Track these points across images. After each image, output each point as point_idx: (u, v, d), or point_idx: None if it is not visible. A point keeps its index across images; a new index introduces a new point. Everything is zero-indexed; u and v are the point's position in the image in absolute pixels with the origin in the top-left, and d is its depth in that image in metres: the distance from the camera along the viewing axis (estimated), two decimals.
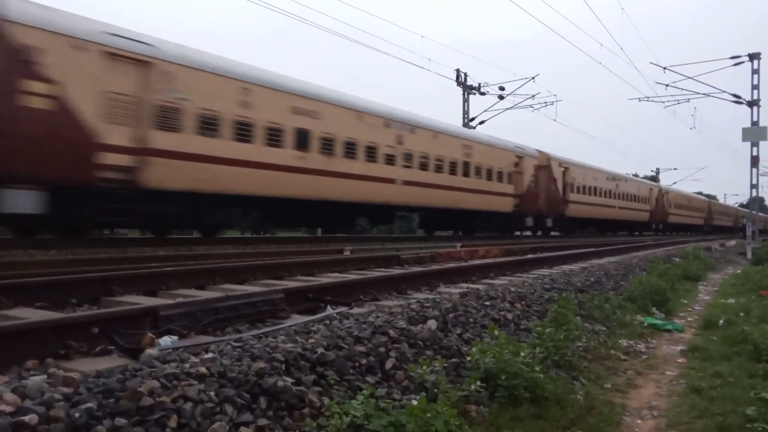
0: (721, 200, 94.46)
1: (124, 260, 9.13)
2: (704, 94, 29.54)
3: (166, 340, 3.83)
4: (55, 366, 3.29)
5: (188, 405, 2.74)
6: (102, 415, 2.48)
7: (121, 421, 2.49)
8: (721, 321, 7.94)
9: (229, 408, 2.87)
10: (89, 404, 2.49)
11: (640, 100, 33.10)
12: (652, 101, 32.47)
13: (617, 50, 43.25)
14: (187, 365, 3.09)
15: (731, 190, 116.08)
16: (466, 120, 35.23)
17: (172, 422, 2.64)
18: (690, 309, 9.89)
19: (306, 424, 3.04)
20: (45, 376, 2.86)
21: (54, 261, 8.62)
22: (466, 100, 35.64)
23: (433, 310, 5.31)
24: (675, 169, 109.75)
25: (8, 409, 2.36)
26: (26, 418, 2.30)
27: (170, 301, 4.68)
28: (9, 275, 6.21)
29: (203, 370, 3.04)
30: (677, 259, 16.92)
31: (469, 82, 35.45)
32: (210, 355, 3.37)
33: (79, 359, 3.51)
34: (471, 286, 7.82)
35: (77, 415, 2.41)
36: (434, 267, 9.65)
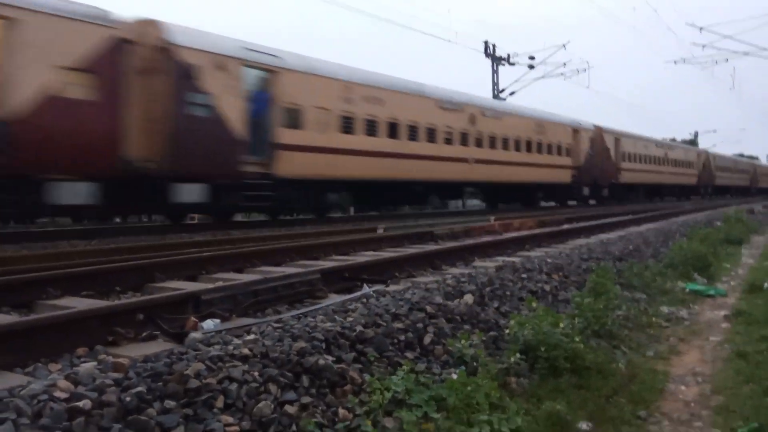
0: (764, 161, 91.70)
1: (164, 247, 9.32)
2: (743, 53, 28.56)
3: (209, 324, 3.93)
4: (104, 353, 3.41)
5: (234, 386, 2.81)
6: (152, 399, 2.57)
7: (170, 403, 2.57)
8: (766, 285, 7.75)
9: (273, 387, 2.94)
10: (139, 388, 2.58)
11: (675, 63, 32.37)
12: (689, 63, 31.58)
13: (651, 13, 41.83)
14: (230, 347, 3.17)
15: None
16: (496, 92, 34.72)
17: (219, 403, 2.71)
18: (733, 273, 9.67)
19: (348, 400, 3.09)
20: (95, 363, 2.97)
21: (96, 250, 8.86)
22: (495, 72, 35.09)
23: (469, 284, 5.32)
24: (714, 131, 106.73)
25: (63, 395, 2.45)
26: (80, 404, 2.39)
27: (211, 286, 4.79)
28: (55, 266, 6.42)
29: (246, 351, 3.11)
30: (719, 223, 16.52)
31: (497, 54, 34.87)
32: (252, 336, 3.44)
33: (126, 345, 3.63)
34: (506, 259, 7.79)
35: (128, 399, 2.49)
36: (468, 242, 9.63)
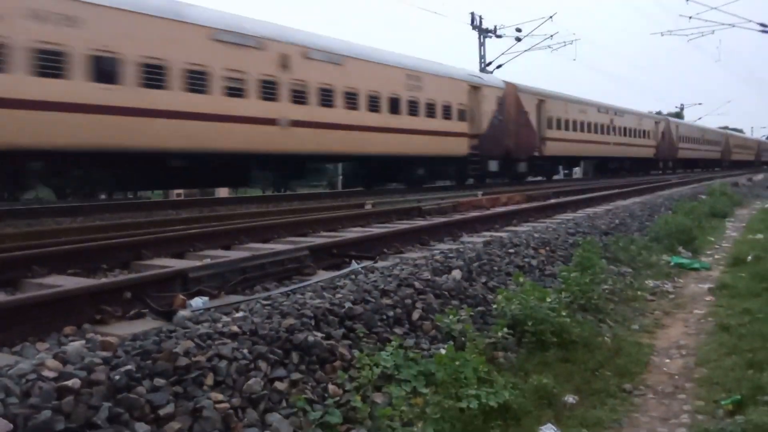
0: (748, 134, 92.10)
1: (150, 224, 9.26)
2: (729, 24, 28.50)
3: (197, 301, 3.92)
4: (92, 331, 3.40)
5: (223, 363, 2.82)
6: (141, 377, 2.57)
7: (159, 381, 2.58)
8: (750, 257, 7.86)
9: (262, 364, 2.95)
10: (128, 366, 2.57)
11: (662, 35, 32.39)
12: (675, 35, 31.67)
13: None
14: (219, 325, 3.17)
15: (759, 123, 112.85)
16: (483, 65, 34.53)
17: (209, 380, 2.72)
18: (717, 246, 9.80)
19: (338, 376, 3.11)
20: (84, 342, 2.96)
21: (82, 228, 8.78)
22: (482, 44, 34.87)
23: (457, 260, 5.34)
24: (700, 104, 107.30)
25: (51, 374, 2.44)
26: (69, 383, 2.38)
27: (199, 263, 4.77)
28: (40, 244, 6.36)
29: (235, 328, 3.12)
30: (703, 197, 16.67)
31: (484, 26, 34.63)
32: (241, 314, 3.44)
33: (114, 323, 3.61)
34: (494, 234, 7.81)
35: (117, 377, 2.49)
36: (456, 217, 9.65)
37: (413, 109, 20.75)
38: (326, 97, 17.35)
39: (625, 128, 38.78)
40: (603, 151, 35.82)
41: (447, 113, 22.37)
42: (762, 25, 26.37)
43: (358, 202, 14.12)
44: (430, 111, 21.53)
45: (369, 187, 22.54)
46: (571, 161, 35.86)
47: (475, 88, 24.13)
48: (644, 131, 42.13)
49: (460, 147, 22.95)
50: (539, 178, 30.94)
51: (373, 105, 19.05)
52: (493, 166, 25.10)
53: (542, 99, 29.13)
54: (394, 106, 19.86)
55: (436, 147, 21.76)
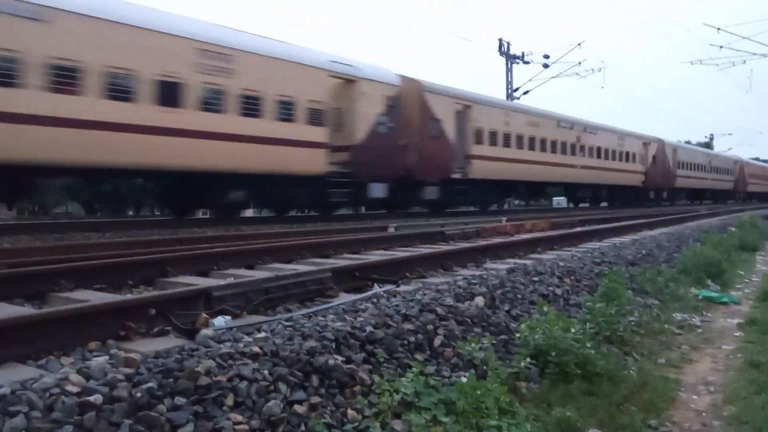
0: None
1: (176, 241, 9.37)
2: (761, 54, 28.21)
3: (220, 321, 3.93)
4: (116, 347, 3.42)
5: (243, 384, 2.81)
6: (162, 395, 2.57)
7: (180, 400, 2.58)
8: None
9: (282, 386, 2.94)
10: (150, 384, 2.58)
11: (692, 64, 32.03)
12: (706, 64, 31.24)
13: (668, 11, 41.31)
14: (241, 345, 3.17)
15: None
16: (510, 90, 34.60)
17: (229, 400, 2.71)
18: (747, 280, 9.58)
19: (357, 401, 3.09)
20: (107, 357, 2.98)
21: (109, 243, 8.92)
22: (509, 70, 34.98)
23: (480, 286, 5.29)
24: (730, 134, 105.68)
25: (74, 389, 2.46)
26: (92, 398, 2.40)
27: (223, 282, 4.80)
28: (68, 258, 6.46)
29: (257, 349, 3.12)
30: (733, 229, 16.36)
31: (512, 51, 34.76)
32: (262, 334, 3.44)
33: (138, 340, 3.64)
34: (518, 261, 7.75)
35: (139, 394, 2.50)
36: (480, 243, 9.59)
37: (212, 102, 14.82)
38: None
39: (598, 148, 32.18)
40: (565, 176, 29.32)
41: (287, 113, 16.49)
42: None
43: (381, 225, 14.13)
44: (251, 107, 15.57)
45: (181, 215, 17.41)
46: (511, 186, 28.31)
47: (345, 81, 18.33)
48: (627, 153, 35.40)
49: (312, 162, 17.06)
50: (470, 209, 25.11)
51: (117, 90, 13.16)
52: (377, 190, 19.23)
53: (467, 104, 23.00)
54: (169, 94, 13.95)
55: (262, 160, 15.80)
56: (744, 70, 73.61)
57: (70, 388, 2.46)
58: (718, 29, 26.63)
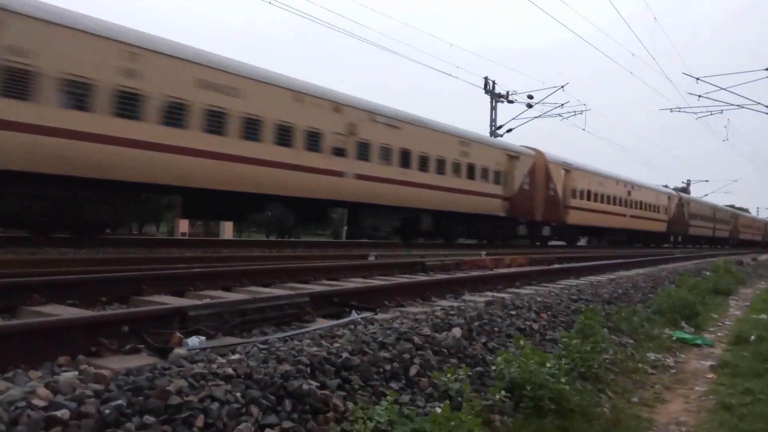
0: (753, 213, 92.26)
1: (153, 261, 9.26)
2: (738, 105, 29.00)
3: (194, 340, 3.88)
4: (86, 363, 3.35)
5: (215, 405, 2.77)
6: (131, 413, 2.53)
7: (149, 419, 2.53)
8: (753, 337, 7.76)
9: (254, 409, 2.90)
10: (119, 401, 2.53)
11: (671, 111, 32.66)
12: (684, 112, 31.99)
13: (649, 60, 42.32)
14: (214, 366, 3.13)
15: (764, 203, 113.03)
16: (493, 128, 35.06)
17: (199, 422, 2.67)
18: (720, 324, 9.68)
19: (330, 428, 3.05)
20: (77, 373, 2.92)
21: (85, 259, 8.79)
22: (493, 108, 35.48)
23: (458, 317, 5.29)
24: (706, 181, 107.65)
25: (41, 403, 2.41)
26: (58, 413, 2.35)
27: (198, 302, 4.75)
28: (42, 272, 6.35)
29: (230, 371, 3.08)
30: (707, 273, 16.58)
31: (497, 90, 35.31)
32: (237, 356, 3.40)
33: (109, 357, 3.57)
34: (496, 294, 7.77)
35: (107, 411, 2.45)
36: (459, 275, 9.62)
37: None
38: None
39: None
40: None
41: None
42: None
43: (361, 253, 14.11)
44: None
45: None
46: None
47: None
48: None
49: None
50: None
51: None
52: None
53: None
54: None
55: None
56: (721, 119, 75.19)
57: (36, 402, 2.41)
58: (697, 79, 27.29)
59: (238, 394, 2.92)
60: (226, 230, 29.43)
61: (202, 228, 36.11)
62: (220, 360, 3.29)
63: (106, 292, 5.77)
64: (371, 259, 12.63)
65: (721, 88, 27.36)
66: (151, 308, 4.47)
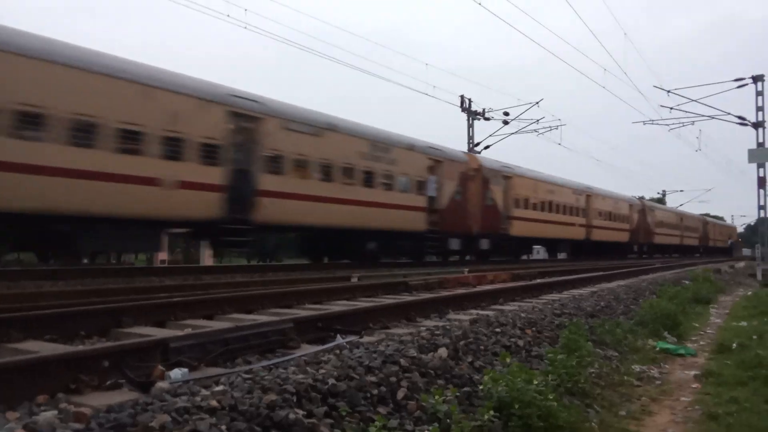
0: (729, 221, 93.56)
1: (132, 291, 9.13)
2: (709, 116, 29.58)
3: (176, 373, 3.81)
4: (66, 401, 3.28)
5: None
6: None
7: None
8: (735, 345, 7.84)
9: None
10: None
11: (644, 123, 33.31)
12: (657, 124, 32.51)
13: (621, 75, 43.04)
14: (198, 398, 3.07)
15: (738, 211, 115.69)
16: (471, 145, 35.34)
17: None
18: (702, 333, 9.77)
19: None
20: (56, 412, 2.85)
21: (62, 292, 8.63)
22: (470, 126, 35.81)
23: (444, 337, 5.27)
24: (681, 191, 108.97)
25: None
26: None
27: (180, 333, 4.68)
28: (18, 307, 6.22)
29: (214, 403, 3.02)
30: (687, 282, 16.78)
31: (473, 108, 35.68)
32: (221, 387, 3.35)
33: (89, 393, 3.49)
34: (480, 312, 7.77)
35: None
36: (443, 293, 9.61)
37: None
38: None
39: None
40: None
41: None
42: (740, 117, 27.36)
43: (344, 274, 14.05)
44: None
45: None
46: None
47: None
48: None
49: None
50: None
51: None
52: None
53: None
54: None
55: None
56: (693, 130, 76.13)
57: None
58: (668, 92, 27.88)
59: (223, 427, 2.86)
60: (206, 256, 29.18)
61: (182, 255, 35.75)
62: (204, 392, 3.23)
63: (85, 326, 5.67)
64: (354, 280, 12.57)
65: (692, 100, 27.95)
66: (131, 341, 4.39)
